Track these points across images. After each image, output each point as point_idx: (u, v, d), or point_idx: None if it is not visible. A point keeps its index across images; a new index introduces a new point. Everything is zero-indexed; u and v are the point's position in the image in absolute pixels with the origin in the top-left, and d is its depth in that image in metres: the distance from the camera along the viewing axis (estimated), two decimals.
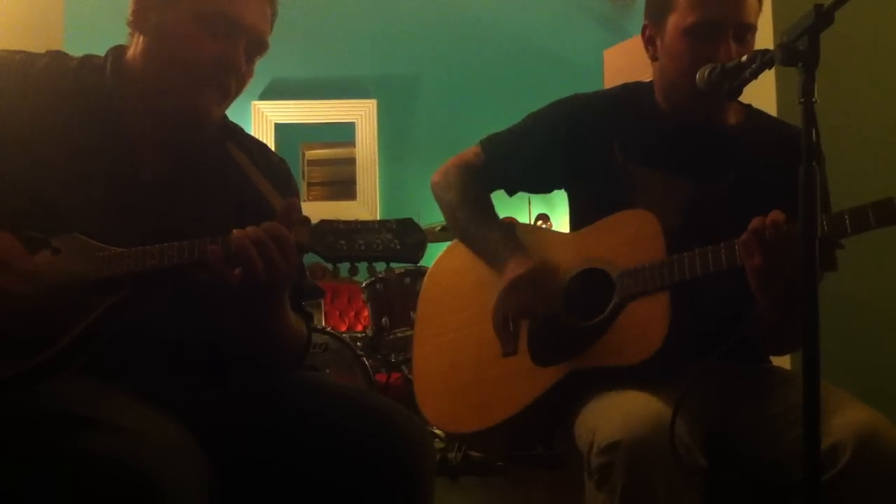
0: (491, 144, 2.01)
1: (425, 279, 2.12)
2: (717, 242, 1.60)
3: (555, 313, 1.79)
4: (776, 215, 1.51)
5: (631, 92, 1.94)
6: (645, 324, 1.65)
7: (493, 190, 2.03)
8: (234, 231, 1.32)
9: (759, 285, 1.54)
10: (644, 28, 1.86)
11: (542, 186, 2.09)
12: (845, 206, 1.45)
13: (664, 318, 1.63)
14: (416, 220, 1.43)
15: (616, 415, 1.51)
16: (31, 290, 1.33)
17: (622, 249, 1.74)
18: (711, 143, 1.82)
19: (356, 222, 1.36)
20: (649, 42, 1.85)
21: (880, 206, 1.40)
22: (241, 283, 1.32)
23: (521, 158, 1.97)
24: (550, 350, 1.77)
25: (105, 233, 1.39)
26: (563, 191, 2.05)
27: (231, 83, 1.49)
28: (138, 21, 1.49)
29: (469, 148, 2.04)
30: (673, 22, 1.75)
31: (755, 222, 1.52)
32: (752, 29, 1.73)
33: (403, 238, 1.36)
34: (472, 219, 1.95)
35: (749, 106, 1.89)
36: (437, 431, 3.81)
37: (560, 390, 1.72)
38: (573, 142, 1.90)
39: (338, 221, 1.36)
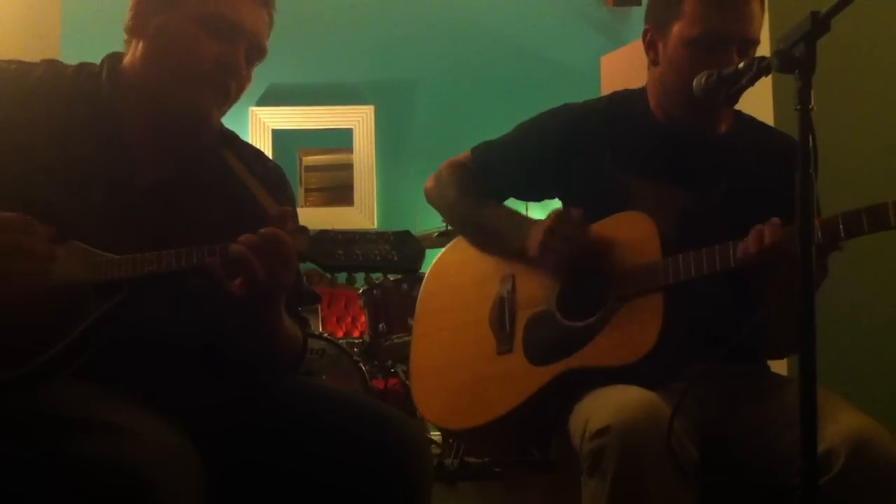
0: (482, 152, 2.03)
1: (427, 274, 2.14)
2: None
3: (550, 312, 1.79)
4: (773, 234, 1.51)
5: (622, 100, 1.94)
6: (638, 324, 1.66)
7: (484, 194, 2.04)
8: (239, 239, 1.32)
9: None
10: (645, 32, 1.85)
11: (532, 195, 2.10)
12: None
13: (657, 318, 1.64)
14: (413, 224, 1.44)
15: (608, 402, 1.52)
16: (45, 281, 1.33)
17: (618, 250, 1.74)
18: (704, 151, 1.82)
19: (354, 233, 1.37)
20: (650, 46, 1.84)
21: (874, 211, 1.40)
22: (242, 290, 1.33)
23: (511, 168, 1.98)
24: (545, 349, 1.78)
25: (102, 238, 1.40)
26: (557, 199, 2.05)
27: (231, 86, 1.50)
28: (138, 25, 1.50)
29: (461, 154, 2.05)
30: (678, 31, 1.75)
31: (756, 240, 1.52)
32: (755, 44, 1.73)
33: (401, 249, 1.37)
34: (475, 205, 1.96)
35: (739, 112, 1.89)
36: (435, 437, 3.83)
37: (554, 389, 1.73)
38: (565, 152, 1.90)
39: (335, 231, 1.37)
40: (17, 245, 1.34)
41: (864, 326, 2.68)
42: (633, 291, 1.69)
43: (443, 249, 2.13)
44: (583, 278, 1.78)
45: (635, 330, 1.66)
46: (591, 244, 1.75)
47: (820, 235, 1.43)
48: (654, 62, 1.85)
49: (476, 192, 1.98)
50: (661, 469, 1.44)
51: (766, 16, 2.55)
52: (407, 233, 1.38)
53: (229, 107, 1.54)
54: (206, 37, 1.45)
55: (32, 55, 1.60)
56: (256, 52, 1.52)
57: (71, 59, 1.60)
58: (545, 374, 1.75)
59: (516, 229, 1.86)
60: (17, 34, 3.13)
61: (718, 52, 1.69)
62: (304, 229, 1.36)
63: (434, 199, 2.04)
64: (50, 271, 1.36)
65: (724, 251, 1.58)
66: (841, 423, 1.47)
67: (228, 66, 1.47)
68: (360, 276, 1.41)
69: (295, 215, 1.45)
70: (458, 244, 2.07)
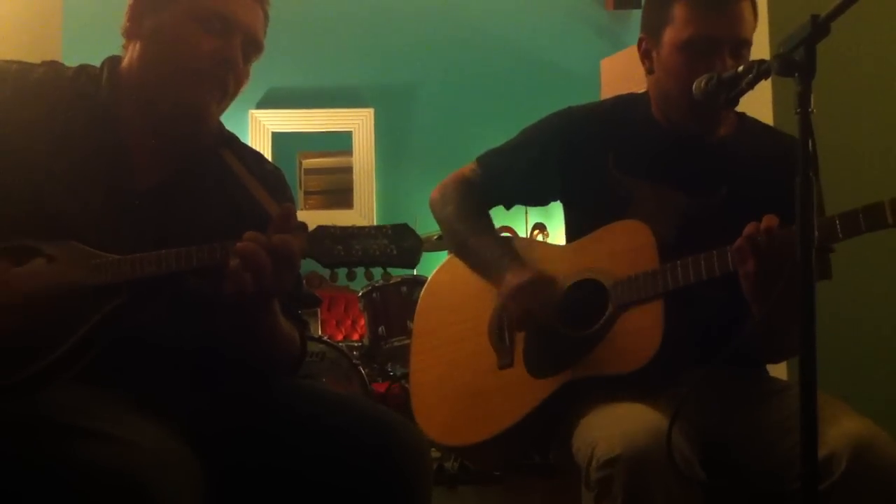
0: (487, 160, 2.02)
1: (423, 291, 2.13)
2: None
3: (551, 324, 1.79)
4: (770, 220, 1.51)
5: (625, 104, 1.95)
6: (639, 332, 1.66)
7: (491, 206, 2.04)
8: (246, 235, 1.32)
9: (752, 291, 1.54)
10: (640, 41, 1.86)
11: (538, 199, 2.09)
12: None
13: (658, 326, 1.63)
14: (412, 227, 1.43)
15: (615, 428, 1.51)
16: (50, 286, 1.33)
17: (616, 259, 1.75)
18: (705, 155, 1.82)
19: (352, 228, 1.36)
20: (645, 55, 1.85)
21: (871, 211, 1.40)
22: (248, 289, 1.32)
23: (517, 173, 1.97)
24: (546, 361, 1.77)
25: (102, 240, 1.40)
26: (559, 201, 2.05)
27: (229, 80, 1.50)
28: (134, 28, 1.51)
29: (466, 164, 2.05)
30: (669, 36, 1.76)
31: (749, 228, 1.53)
32: (747, 44, 1.74)
33: (399, 243, 1.36)
34: (470, 231, 1.96)
35: (742, 115, 1.89)
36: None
37: (556, 401, 1.73)
38: (568, 155, 1.90)
39: (334, 227, 1.36)
40: (25, 247, 1.36)
41: (864, 329, 2.68)
42: (633, 300, 1.69)
43: (442, 253, 2.13)
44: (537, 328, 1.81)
45: (637, 338, 1.66)
46: (551, 314, 1.78)
47: (818, 235, 1.43)
48: (649, 70, 1.86)
49: (475, 213, 1.98)
50: (670, 495, 1.44)
51: (766, 19, 2.56)
52: (405, 226, 1.38)
53: (228, 103, 1.54)
54: (201, 32, 1.47)
55: (33, 55, 1.61)
56: (253, 47, 1.53)
57: (72, 59, 1.61)
58: (547, 386, 1.74)
59: (500, 268, 1.85)
60: (18, 34, 3.13)
61: (711, 54, 1.70)
62: (302, 226, 1.36)
63: (436, 213, 2.04)
64: (51, 274, 1.36)
65: (721, 255, 1.58)
66: (842, 428, 1.47)
67: (225, 59, 1.48)
68: (359, 273, 1.40)
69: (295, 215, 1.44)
70: (454, 261, 2.07)
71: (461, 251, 2.00)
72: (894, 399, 2.57)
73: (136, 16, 1.51)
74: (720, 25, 1.71)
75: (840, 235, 1.43)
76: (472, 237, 1.95)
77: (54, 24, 3.36)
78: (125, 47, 1.54)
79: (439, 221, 2.03)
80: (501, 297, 1.82)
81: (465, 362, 1.92)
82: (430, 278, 2.15)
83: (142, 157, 1.51)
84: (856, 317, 2.64)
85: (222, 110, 1.55)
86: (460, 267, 2.00)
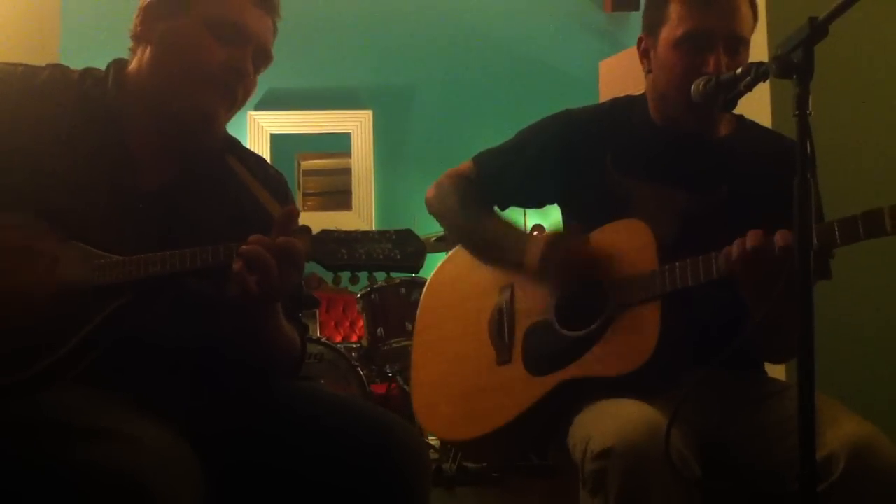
0: (484, 160, 2.02)
1: (425, 287, 2.14)
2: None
3: (549, 322, 1.79)
4: (753, 239, 1.50)
5: (622, 106, 1.95)
6: (636, 333, 1.66)
7: (487, 204, 2.04)
8: (251, 238, 1.33)
9: (751, 295, 1.55)
10: (639, 41, 1.87)
11: (533, 201, 2.09)
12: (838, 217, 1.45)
13: (655, 327, 1.63)
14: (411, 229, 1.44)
15: (609, 422, 1.51)
16: (49, 282, 1.34)
17: (615, 259, 1.74)
18: (704, 154, 1.82)
19: (356, 232, 1.37)
20: (644, 55, 1.86)
21: (869, 217, 1.39)
22: (256, 291, 1.33)
23: (513, 174, 1.98)
24: (544, 359, 1.78)
25: (105, 240, 1.40)
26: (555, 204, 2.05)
27: (238, 89, 1.51)
28: (144, 32, 1.52)
29: (462, 163, 2.05)
30: (665, 34, 1.77)
31: (735, 251, 1.52)
32: (744, 42, 1.74)
33: (403, 248, 1.37)
34: (475, 217, 1.96)
35: (741, 116, 1.90)
36: (433, 441, 3.83)
37: (553, 400, 1.73)
38: (566, 157, 1.91)
39: (338, 231, 1.37)
40: (27, 245, 1.35)
41: (864, 329, 2.68)
42: (631, 300, 1.69)
43: (440, 255, 2.14)
44: (580, 288, 1.78)
45: (633, 339, 1.66)
46: (590, 257, 1.76)
47: (816, 241, 1.43)
48: (648, 70, 1.86)
49: (477, 203, 1.98)
50: (664, 488, 1.44)
51: (765, 21, 2.56)
52: (408, 231, 1.38)
53: (236, 111, 1.56)
54: (213, 41, 1.47)
55: (31, 57, 1.61)
56: (263, 57, 1.54)
57: (70, 61, 1.61)
58: (544, 384, 1.75)
59: (515, 242, 1.86)
60: (15, 36, 3.13)
61: (706, 50, 1.70)
62: (305, 229, 1.36)
63: (435, 208, 2.04)
64: (54, 274, 1.37)
65: (719, 258, 1.58)
66: (841, 429, 1.47)
67: (236, 69, 1.49)
68: (362, 277, 1.41)
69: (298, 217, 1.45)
70: (455, 257, 2.07)
71: (468, 239, 2.00)
72: (894, 399, 2.57)
73: (148, 20, 1.51)
74: (714, 18, 1.72)
75: (839, 241, 1.42)
76: (477, 223, 1.95)
77: (52, 25, 3.36)
78: (133, 50, 1.55)
79: (439, 215, 2.03)
80: (531, 261, 1.78)
81: (465, 358, 1.93)
82: (431, 276, 2.15)
83: (146, 158, 1.51)
84: (855, 317, 2.64)
85: (230, 118, 1.56)
86: (461, 264, 2.00)
